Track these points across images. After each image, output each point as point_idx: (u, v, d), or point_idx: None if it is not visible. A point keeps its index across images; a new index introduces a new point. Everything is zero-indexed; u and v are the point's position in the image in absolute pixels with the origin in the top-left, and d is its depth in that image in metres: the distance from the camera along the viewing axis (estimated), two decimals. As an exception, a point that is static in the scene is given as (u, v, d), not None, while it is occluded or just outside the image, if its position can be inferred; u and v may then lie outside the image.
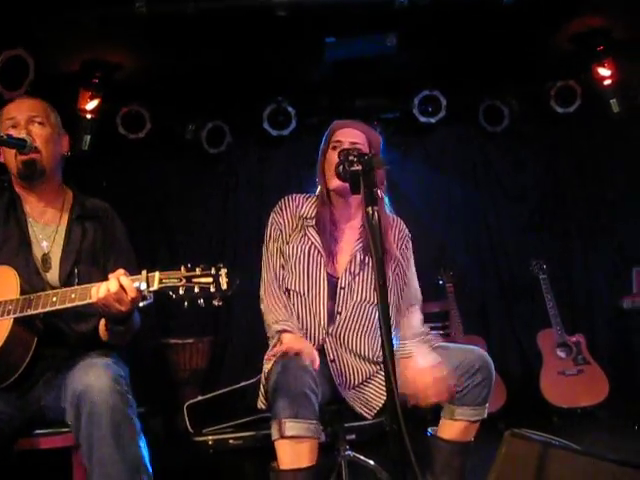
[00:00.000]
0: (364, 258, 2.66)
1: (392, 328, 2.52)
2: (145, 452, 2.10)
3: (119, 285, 2.09)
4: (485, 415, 2.54)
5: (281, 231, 2.70)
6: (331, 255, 2.66)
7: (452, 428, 2.51)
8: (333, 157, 2.61)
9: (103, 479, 2.01)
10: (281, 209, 2.74)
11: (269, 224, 2.75)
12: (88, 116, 4.69)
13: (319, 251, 2.64)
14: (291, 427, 2.23)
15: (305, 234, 2.67)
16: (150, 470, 2.10)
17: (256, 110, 5.24)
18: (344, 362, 2.61)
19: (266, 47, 4.46)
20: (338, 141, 2.66)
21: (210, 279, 2.04)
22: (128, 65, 4.63)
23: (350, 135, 2.67)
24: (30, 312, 2.18)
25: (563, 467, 2.02)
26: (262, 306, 2.66)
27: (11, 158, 2.40)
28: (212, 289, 2.04)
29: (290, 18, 3.90)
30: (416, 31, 4.37)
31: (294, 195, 2.79)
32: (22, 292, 2.23)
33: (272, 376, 2.36)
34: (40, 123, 2.44)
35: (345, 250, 2.69)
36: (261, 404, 2.61)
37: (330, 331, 2.61)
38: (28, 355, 2.22)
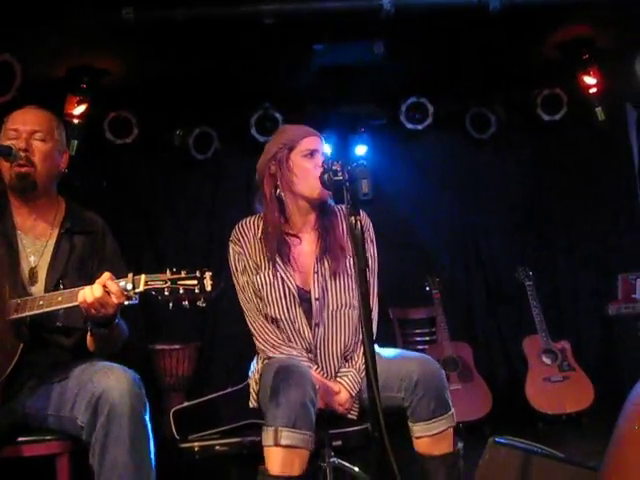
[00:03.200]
0: (328, 263, 2.64)
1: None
2: (153, 457, 2.13)
3: (103, 290, 2.10)
4: (451, 424, 2.41)
5: (246, 262, 2.64)
6: (298, 271, 2.64)
7: (420, 444, 2.43)
8: (308, 165, 2.60)
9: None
10: (239, 239, 2.67)
11: (231, 255, 2.68)
12: (75, 121, 4.68)
13: (285, 273, 2.61)
14: (287, 436, 2.22)
15: (269, 260, 2.61)
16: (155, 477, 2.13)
17: (243, 116, 5.25)
18: (330, 370, 2.62)
19: (254, 54, 4.48)
20: (315, 150, 2.63)
21: (195, 281, 2.06)
22: (116, 71, 4.63)
23: (319, 143, 2.67)
24: (17, 315, 2.19)
25: (544, 474, 2.03)
26: (251, 332, 2.66)
27: (6, 168, 2.40)
28: (196, 291, 2.05)
29: (278, 25, 3.91)
30: (403, 39, 4.39)
31: (247, 219, 2.72)
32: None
33: (270, 380, 2.37)
34: (42, 139, 2.44)
35: (309, 259, 2.66)
36: (253, 402, 2.65)
37: (315, 343, 2.61)
38: (12, 361, 2.22)
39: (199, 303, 2.08)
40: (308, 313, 2.62)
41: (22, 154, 2.37)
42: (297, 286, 2.62)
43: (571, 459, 2.09)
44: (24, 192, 2.42)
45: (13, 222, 2.45)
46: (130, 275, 2.11)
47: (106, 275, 2.14)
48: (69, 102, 4.65)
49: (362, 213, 2.70)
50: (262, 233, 2.65)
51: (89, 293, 2.10)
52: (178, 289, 2.05)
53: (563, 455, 2.18)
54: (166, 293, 2.06)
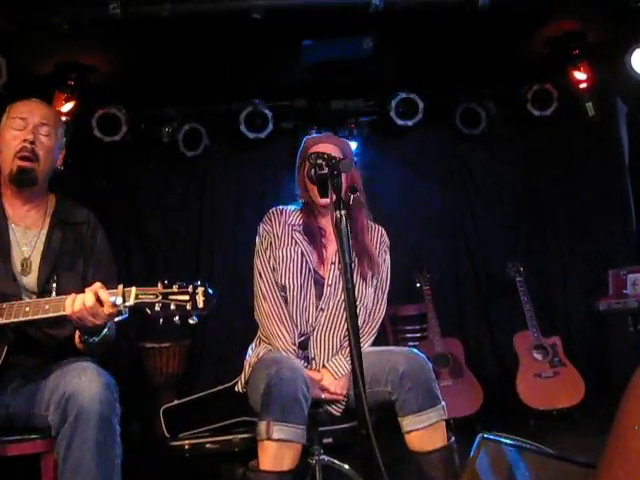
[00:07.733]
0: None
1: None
2: (119, 462, 2.09)
3: (95, 299, 2.06)
4: (442, 416, 2.42)
5: (272, 240, 2.73)
6: (318, 256, 2.72)
7: (411, 440, 2.42)
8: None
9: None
10: (270, 220, 2.78)
11: (260, 235, 2.80)
12: (63, 118, 4.64)
13: (306, 253, 2.69)
14: (279, 430, 2.24)
15: (293, 239, 2.71)
16: None
17: (233, 113, 5.23)
18: (322, 358, 2.64)
19: (243, 50, 4.44)
20: None
21: (187, 297, 2.02)
22: (103, 67, 4.59)
23: (325, 150, 2.66)
24: (1, 321, 2.14)
25: (534, 470, 2.02)
26: (258, 316, 2.71)
27: (8, 158, 2.34)
28: (188, 307, 2.01)
29: (266, 21, 3.88)
30: (393, 34, 4.37)
31: (280, 207, 2.84)
32: None
33: (263, 375, 2.37)
34: (47, 135, 2.39)
35: (331, 252, 2.73)
36: (240, 388, 2.68)
37: (315, 326, 2.65)
38: (-3, 364, 2.18)
39: (190, 320, 2.04)
40: (317, 295, 2.69)
41: (28, 146, 2.32)
42: (314, 267, 2.70)
43: (561, 455, 2.07)
44: (22, 185, 2.38)
45: (4, 214, 2.40)
46: (120, 287, 2.06)
47: (97, 285, 2.10)
48: (57, 99, 4.61)
49: (381, 229, 2.87)
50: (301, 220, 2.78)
51: (79, 302, 2.06)
52: (169, 304, 2.01)
53: (553, 451, 2.17)
54: (157, 308, 2.02)
